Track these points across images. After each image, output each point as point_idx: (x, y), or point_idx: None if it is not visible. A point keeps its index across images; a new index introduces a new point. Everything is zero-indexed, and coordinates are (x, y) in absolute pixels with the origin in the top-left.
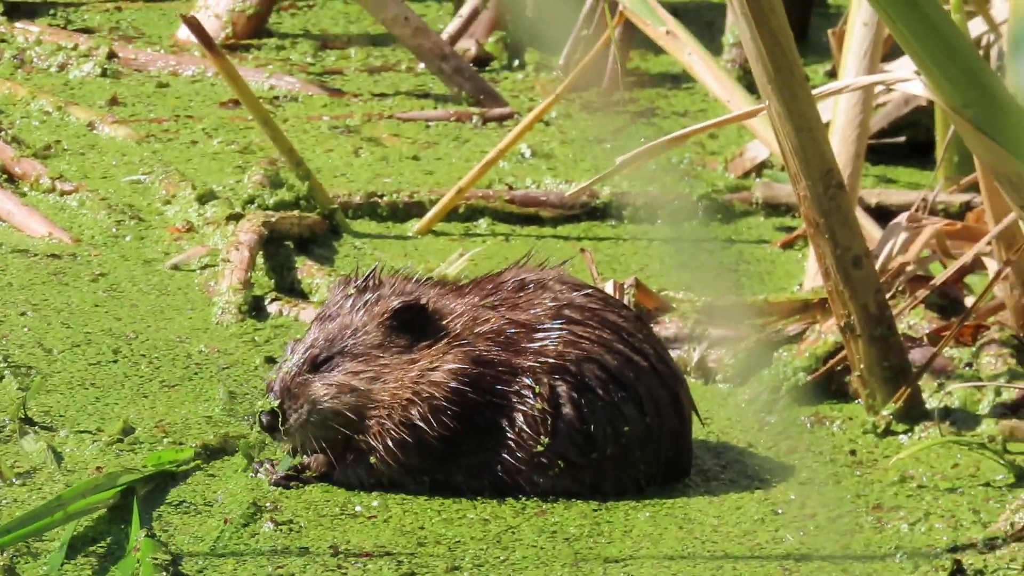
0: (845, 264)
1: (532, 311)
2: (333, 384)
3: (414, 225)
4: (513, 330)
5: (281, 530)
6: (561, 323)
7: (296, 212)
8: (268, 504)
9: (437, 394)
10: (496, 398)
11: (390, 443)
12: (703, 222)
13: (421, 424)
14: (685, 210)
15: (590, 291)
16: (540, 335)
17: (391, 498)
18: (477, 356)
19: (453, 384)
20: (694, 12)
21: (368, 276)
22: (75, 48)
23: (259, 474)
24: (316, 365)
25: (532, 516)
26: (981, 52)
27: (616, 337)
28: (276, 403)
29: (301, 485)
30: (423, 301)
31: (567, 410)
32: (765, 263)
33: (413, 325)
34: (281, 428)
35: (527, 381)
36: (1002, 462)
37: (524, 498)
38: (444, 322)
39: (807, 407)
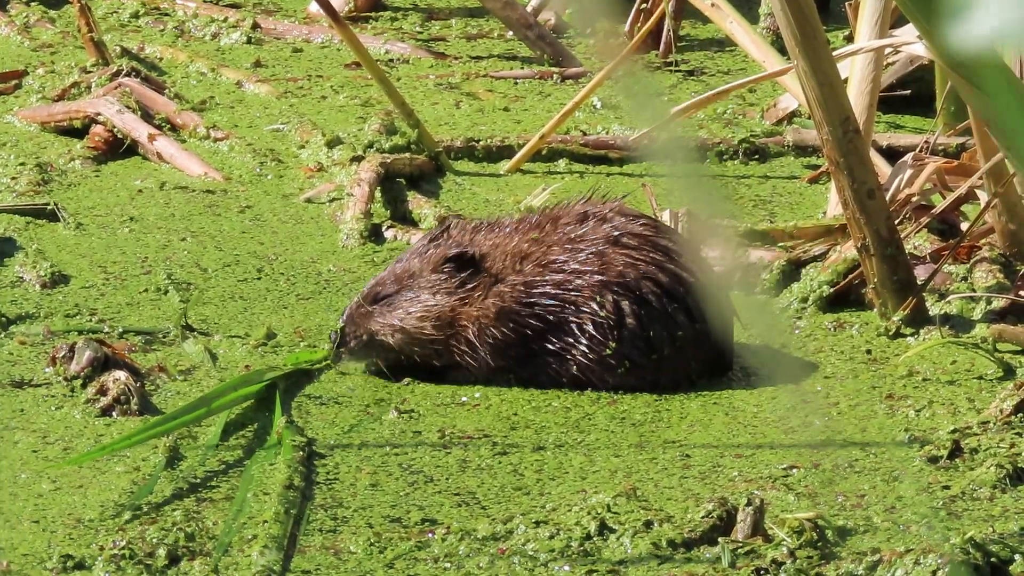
0: (861, 196)
1: (593, 238)
2: (386, 322)
3: (505, 165)
4: (566, 256)
5: (402, 417)
6: (621, 249)
7: (408, 154)
8: (393, 396)
9: (491, 314)
10: (554, 312)
11: (470, 359)
12: (742, 162)
13: (497, 335)
14: (725, 151)
15: (644, 220)
16: (603, 259)
17: (491, 390)
18: (528, 282)
19: (502, 306)
20: None
21: (442, 229)
22: (225, 20)
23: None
24: (377, 299)
25: (605, 405)
26: None
27: (667, 258)
28: (340, 326)
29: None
30: (470, 252)
31: (630, 320)
32: (795, 195)
33: (464, 269)
34: (341, 348)
35: (597, 297)
36: (992, 359)
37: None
38: (488, 264)
39: (830, 314)
